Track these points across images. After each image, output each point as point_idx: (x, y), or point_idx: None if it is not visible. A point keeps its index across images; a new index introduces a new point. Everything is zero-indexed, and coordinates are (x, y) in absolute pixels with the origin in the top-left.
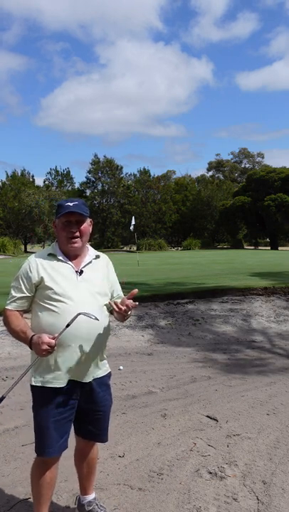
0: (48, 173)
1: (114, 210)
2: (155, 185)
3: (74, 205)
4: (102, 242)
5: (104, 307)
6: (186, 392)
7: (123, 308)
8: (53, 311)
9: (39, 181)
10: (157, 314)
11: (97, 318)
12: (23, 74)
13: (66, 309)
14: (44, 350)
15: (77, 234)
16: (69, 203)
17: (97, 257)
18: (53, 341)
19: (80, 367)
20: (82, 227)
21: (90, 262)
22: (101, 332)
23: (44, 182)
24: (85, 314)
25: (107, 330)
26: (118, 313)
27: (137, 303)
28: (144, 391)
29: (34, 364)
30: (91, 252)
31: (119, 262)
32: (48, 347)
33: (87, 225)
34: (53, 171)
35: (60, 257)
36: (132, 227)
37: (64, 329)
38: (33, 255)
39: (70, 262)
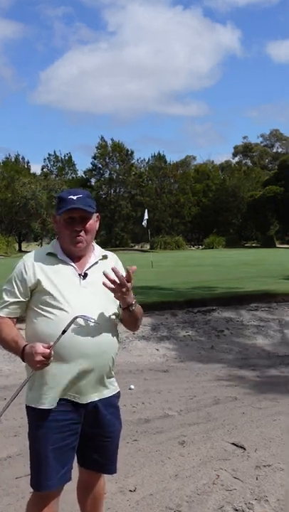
0: (46, 158)
1: (124, 202)
2: (172, 173)
3: (78, 198)
4: (109, 240)
5: (113, 316)
6: (208, 415)
7: (117, 279)
8: (51, 319)
9: (36, 168)
10: (174, 324)
11: (97, 322)
12: (18, 43)
13: (65, 318)
14: (38, 362)
15: (82, 233)
16: (72, 196)
17: (105, 257)
18: (48, 351)
19: (84, 385)
20: (87, 224)
21: (96, 263)
22: (108, 344)
23: (42, 169)
24: (82, 318)
25: (116, 342)
26: (117, 295)
27: (135, 267)
28: (159, 414)
29: (28, 381)
30: (97, 251)
31: (129, 263)
32: (42, 358)
33: (93, 222)
34: (52, 157)
35: (61, 257)
36: (144, 222)
37: (60, 336)
38: (29, 254)
39: (72, 263)
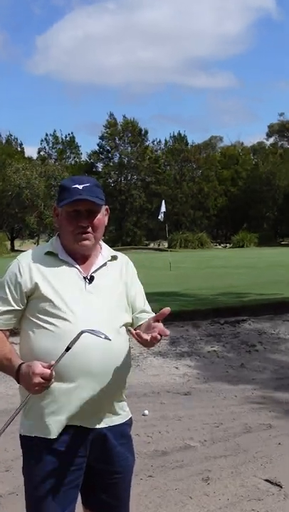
0: (43, 140)
1: (137, 191)
2: (194, 157)
3: (84, 188)
4: (119, 237)
5: (123, 327)
6: (238, 446)
7: (148, 338)
8: (52, 331)
9: (31, 152)
10: (197, 338)
11: (108, 338)
12: (10, 2)
13: (69, 330)
14: (36, 385)
15: (89, 230)
16: (77, 185)
17: (114, 258)
18: (49, 371)
19: (89, 411)
20: (95, 219)
21: (104, 265)
22: (118, 362)
23: (38, 153)
24: (90, 332)
25: (127, 359)
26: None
27: (168, 332)
28: (179, 445)
29: (24, 406)
30: (105, 251)
31: (143, 265)
32: (41, 379)
33: (102, 216)
34: (51, 138)
35: (63, 258)
36: (161, 216)
37: (63, 354)
38: (24, 254)
39: (76, 265)
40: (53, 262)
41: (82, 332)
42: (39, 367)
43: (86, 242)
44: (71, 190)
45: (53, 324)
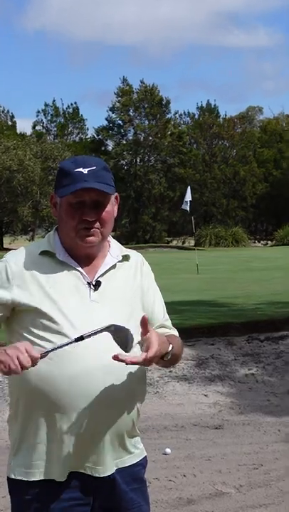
0: (40, 111)
1: (157, 175)
2: (227, 132)
3: (90, 172)
4: (134, 233)
5: (137, 345)
6: (282, 493)
7: (140, 360)
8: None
9: (25, 126)
10: (231, 358)
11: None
12: None
13: (65, 355)
14: (12, 356)
15: (96, 225)
16: (81, 169)
17: (126, 258)
18: (38, 356)
19: (92, 448)
20: (104, 212)
21: (114, 267)
22: (128, 387)
23: (34, 127)
24: (98, 332)
25: (141, 384)
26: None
27: (152, 353)
28: (209, 492)
29: (14, 443)
30: (115, 249)
31: (164, 268)
32: (22, 354)
33: (111, 208)
34: (50, 109)
35: (63, 258)
36: (186, 206)
37: (65, 344)
38: (13, 253)
39: (79, 268)
40: (50, 263)
41: (81, 337)
42: (30, 345)
43: (92, 239)
44: (74, 175)
45: (49, 341)
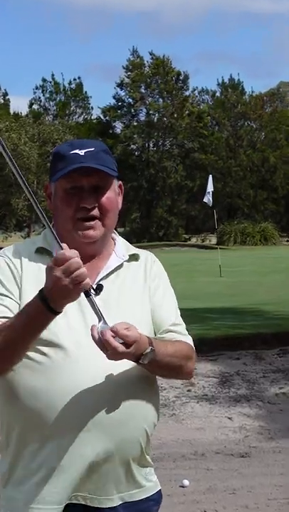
0: (37, 88)
1: (173, 162)
2: (255, 112)
3: (87, 154)
4: (146, 229)
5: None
6: None
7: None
8: (39, 363)
9: (19, 105)
10: (259, 375)
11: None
12: None
13: (64, 365)
14: (75, 269)
15: (95, 212)
16: (77, 150)
17: (134, 257)
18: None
19: (91, 476)
20: (104, 197)
21: (119, 268)
22: (136, 407)
23: (30, 106)
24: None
25: (152, 403)
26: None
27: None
28: None
29: (5, 470)
30: (121, 248)
31: (180, 270)
32: (77, 260)
33: (113, 195)
34: (49, 85)
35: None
36: (207, 198)
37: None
38: (8, 249)
39: None
40: (46, 262)
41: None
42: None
43: (91, 233)
44: (69, 157)
45: (44, 354)
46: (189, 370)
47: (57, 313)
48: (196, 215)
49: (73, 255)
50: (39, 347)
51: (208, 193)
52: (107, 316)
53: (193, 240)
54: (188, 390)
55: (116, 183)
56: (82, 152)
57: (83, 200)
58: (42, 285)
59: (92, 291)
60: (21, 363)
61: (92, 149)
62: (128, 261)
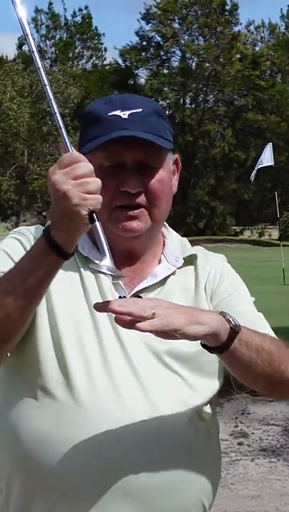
0: (29, 22)
1: (218, 125)
2: None
3: (132, 116)
4: (181, 217)
5: (200, 403)
6: None
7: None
8: (47, 403)
9: (4, 44)
10: None
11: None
12: None
13: (76, 404)
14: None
15: (140, 199)
16: (118, 112)
17: (190, 261)
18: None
19: None
20: (153, 179)
21: (173, 275)
22: (191, 469)
23: (19, 47)
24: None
25: (214, 465)
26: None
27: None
28: None
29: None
30: (173, 247)
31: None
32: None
33: (166, 176)
34: (45, 18)
35: (88, 253)
36: (254, 173)
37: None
38: (20, 230)
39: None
40: (65, 262)
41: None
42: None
43: (134, 224)
44: (106, 121)
45: (51, 393)
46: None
47: (63, 252)
48: (250, 200)
49: (84, 159)
50: (50, 386)
51: (261, 166)
52: (158, 348)
53: (247, 234)
54: (240, 444)
55: (171, 158)
56: (125, 114)
57: (125, 182)
58: (51, 293)
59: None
60: (28, 399)
61: (140, 110)
62: (182, 267)
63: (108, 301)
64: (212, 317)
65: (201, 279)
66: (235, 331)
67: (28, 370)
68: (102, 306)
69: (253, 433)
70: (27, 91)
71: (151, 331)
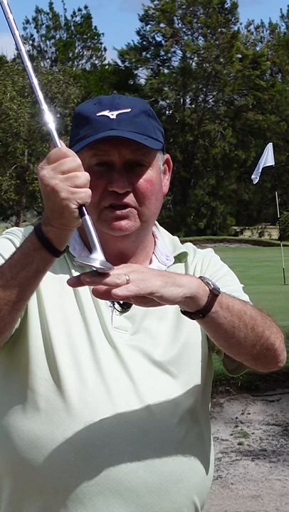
0: (29, 22)
1: (218, 125)
2: None
3: (121, 117)
4: (181, 218)
5: (196, 408)
6: None
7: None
8: (39, 404)
9: (4, 44)
10: None
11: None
12: None
13: (67, 408)
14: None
15: (129, 199)
16: (106, 112)
17: (179, 258)
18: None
19: None
20: (141, 179)
21: None
22: (182, 467)
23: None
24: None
25: (205, 462)
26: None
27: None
28: None
29: None
30: (164, 246)
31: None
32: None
33: (155, 175)
34: (45, 18)
35: (79, 256)
36: (256, 174)
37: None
38: (12, 230)
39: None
40: (60, 260)
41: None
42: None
43: (123, 224)
44: (94, 121)
45: (42, 394)
46: (279, 348)
47: (54, 249)
48: (250, 200)
49: (72, 154)
50: (42, 387)
51: (261, 167)
52: (136, 340)
53: (247, 234)
54: (240, 443)
55: (161, 158)
56: (113, 114)
57: (113, 182)
58: (43, 295)
59: (116, 306)
60: (18, 403)
61: (128, 110)
62: (173, 264)
63: (80, 275)
64: (190, 280)
65: (189, 273)
66: (214, 294)
67: (20, 372)
68: (76, 281)
69: (253, 433)
70: (27, 91)
71: (128, 297)
